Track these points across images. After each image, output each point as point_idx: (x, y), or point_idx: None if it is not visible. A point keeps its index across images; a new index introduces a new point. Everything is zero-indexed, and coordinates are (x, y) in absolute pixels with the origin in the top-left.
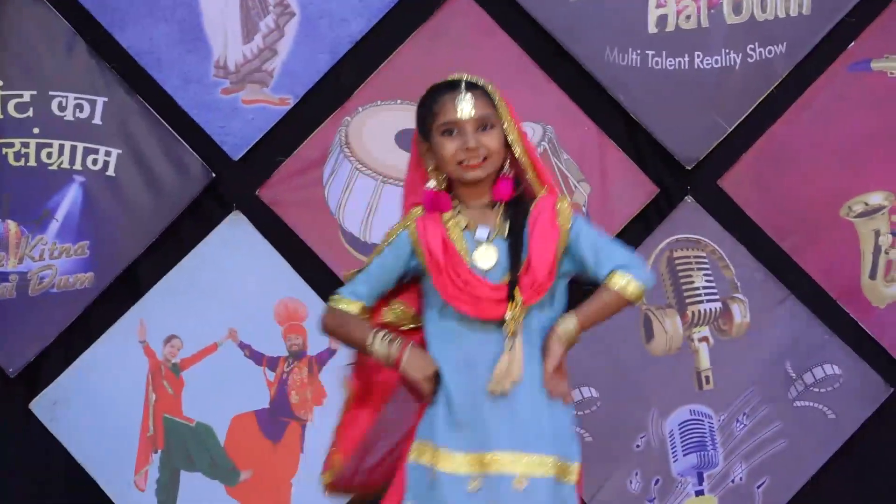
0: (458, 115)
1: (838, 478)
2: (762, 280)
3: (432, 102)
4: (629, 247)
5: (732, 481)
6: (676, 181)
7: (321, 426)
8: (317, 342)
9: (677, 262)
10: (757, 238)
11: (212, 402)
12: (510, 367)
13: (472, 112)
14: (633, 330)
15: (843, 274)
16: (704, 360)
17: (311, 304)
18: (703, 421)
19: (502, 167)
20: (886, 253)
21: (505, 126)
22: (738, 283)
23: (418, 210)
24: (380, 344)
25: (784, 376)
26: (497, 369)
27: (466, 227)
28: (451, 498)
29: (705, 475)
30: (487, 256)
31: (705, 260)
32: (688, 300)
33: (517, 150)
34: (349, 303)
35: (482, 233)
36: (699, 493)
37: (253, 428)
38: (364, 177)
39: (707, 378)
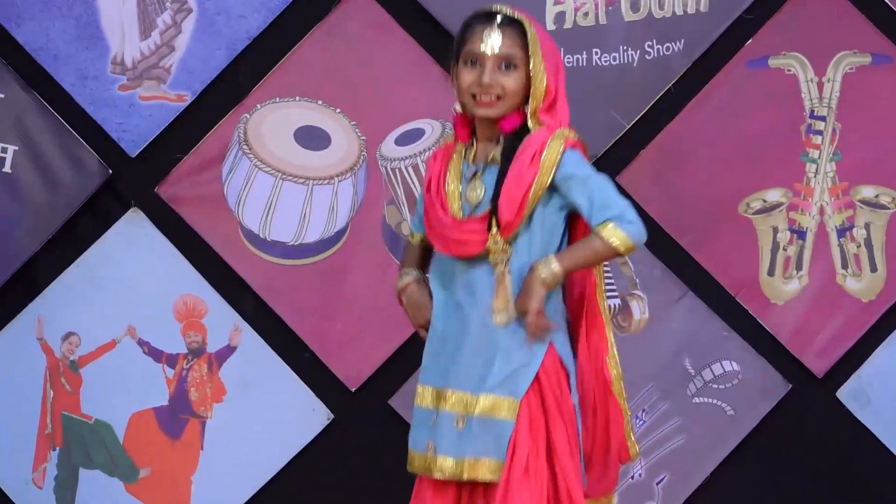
0: (482, 48)
1: (737, 474)
2: (661, 277)
3: (465, 29)
4: (623, 196)
5: (632, 477)
6: None
7: (221, 423)
8: (216, 339)
9: None
10: (655, 235)
11: (110, 399)
12: (498, 299)
13: (497, 48)
14: None
15: (741, 271)
16: None
17: (211, 300)
18: None
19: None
20: (784, 250)
21: (532, 67)
22: (637, 280)
23: (449, 138)
24: (398, 280)
25: (683, 372)
26: (493, 303)
27: (474, 160)
28: (418, 432)
29: None
30: (475, 192)
31: None
32: None
33: (537, 90)
34: (412, 234)
35: (469, 170)
36: None
37: (152, 425)
38: (263, 174)
39: None
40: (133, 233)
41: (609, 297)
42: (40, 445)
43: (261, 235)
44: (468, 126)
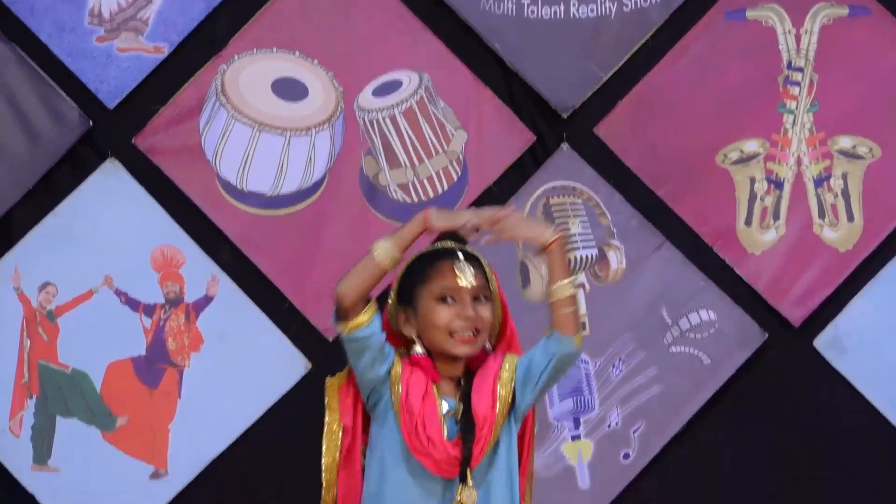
0: (459, 283)
1: (713, 423)
2: (638, 227)
3: (425, 266)
4: None
5: (608, 426)
6: (552, 129)
7: (199, 372)
8: (194, 289)
9: (553, 209)
10: (633, 185)
11: (87, 348)
12: None
13: (473, 281)
14: (510, 277)
15: (718, 221)
16: (581, 307)
17: (188, 251)
18: (579, 366)
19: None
20: (762, 200)
21: (494, 299)
22: (614, 230)
23: (402, 351)
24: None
25: (660, 322)
26: None
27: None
28: None
29: (581, 420)
30: (446, 429)
31: (581, 207)
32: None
33: (497, 321)
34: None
35: (443, 407)
36: (575, 437)
37: (129, 374)
38: (240, 125)
39: (583, 324)
40: (110, 183)
41: (586, 248)
42: (17, 394)
43: (238, 186)
44: (433, 364)
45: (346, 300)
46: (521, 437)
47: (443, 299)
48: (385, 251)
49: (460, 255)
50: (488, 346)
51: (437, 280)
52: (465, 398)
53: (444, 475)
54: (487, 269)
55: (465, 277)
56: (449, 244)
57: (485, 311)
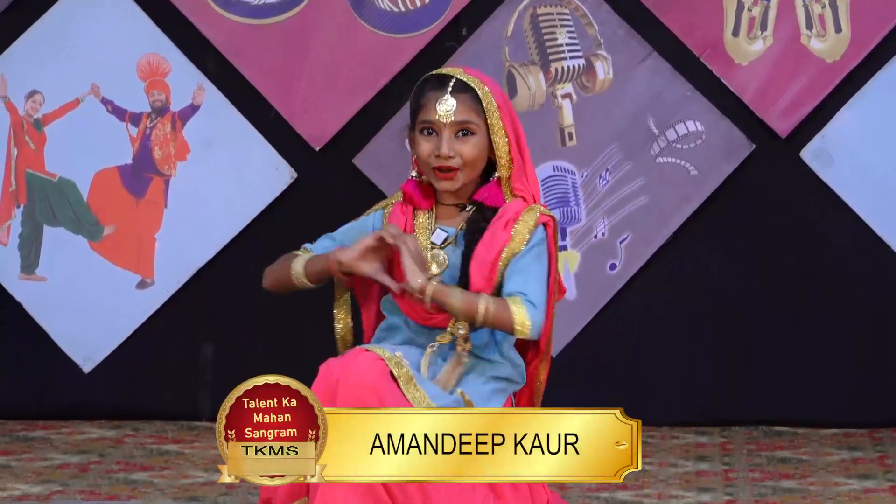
0: (436, 117)
1: (700, 234)
2: (625, 37)
3: (419, 95)
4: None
5: (595, 237)
6: None
7: (185, 182)
8: (180, 98)
9: (540, 18)
10: None
11: (74, 157)
12: (447, 380)
13: (452, 116)
14: None
15: (706, 31)
16: (567, 117)
17: (174, 59)
18: (565, 177)
19: (490, 171)
20: (749, 10)
21: (491, 132)
22: (602, 41)
23: (399, 194)
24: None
25: (647, 132)
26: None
27: (436, 220)
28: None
29: (568, 231)
30: (438, 260)
31: (568, 17)
32: (551, 57)
33: (501, 157)
34: (304, 251)
35: (438, 236)
36: (562, 248)
37: (116, 183)
38: None
39: (570, 134)
40: None
41: (573, 57)
42: (4, 203)
43: None
44: (426, 192)
45: (270, 291)
46: None
47: (426, 131)
48: (297, 272)
49: (451, 85)
50: (496, 175)
51: (422, 112)
52: (475, 231)
53: (416, 320)
54: (486, 100)
55: (444, 112)
56: (449, 71)
57: (467, 147)
